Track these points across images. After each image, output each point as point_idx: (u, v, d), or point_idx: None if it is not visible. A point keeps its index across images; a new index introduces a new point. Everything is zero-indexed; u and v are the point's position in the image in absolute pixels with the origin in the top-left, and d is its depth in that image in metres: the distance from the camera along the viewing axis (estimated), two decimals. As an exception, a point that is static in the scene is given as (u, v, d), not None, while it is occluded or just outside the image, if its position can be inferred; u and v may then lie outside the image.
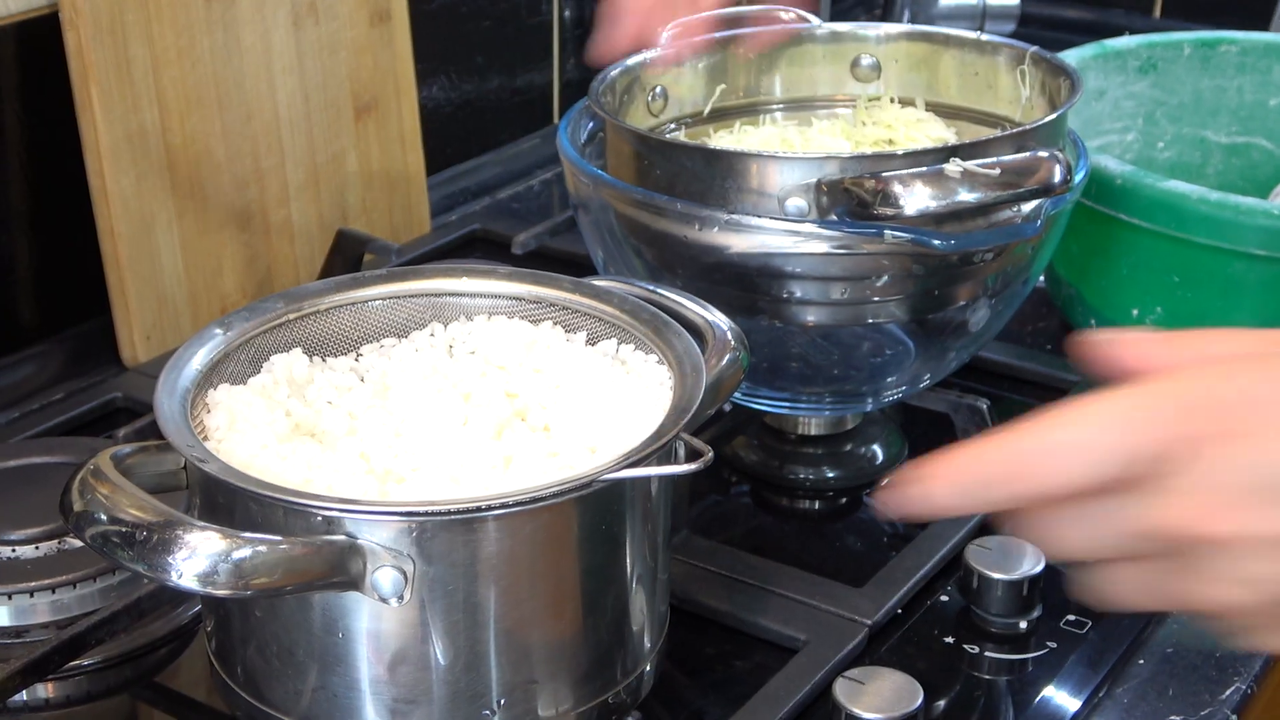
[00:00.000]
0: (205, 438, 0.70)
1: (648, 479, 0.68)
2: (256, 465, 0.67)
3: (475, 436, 0.70)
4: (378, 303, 0.80)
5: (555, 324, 0.79)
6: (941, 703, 0.77)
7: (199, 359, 0.73)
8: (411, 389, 0.73)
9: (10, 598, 0.81)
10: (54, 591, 0.81)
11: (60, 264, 1.07)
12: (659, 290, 0.80)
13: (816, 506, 0.98)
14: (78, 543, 0.84)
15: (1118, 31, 1.26)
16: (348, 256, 1.16)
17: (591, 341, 0.78)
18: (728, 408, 0.98)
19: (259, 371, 0.76)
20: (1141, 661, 0.80)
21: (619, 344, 0.77)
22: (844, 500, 0.97)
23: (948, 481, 0.53)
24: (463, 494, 0.66)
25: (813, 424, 1.00)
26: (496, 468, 0.68)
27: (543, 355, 0.76)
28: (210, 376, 0.73)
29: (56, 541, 0.84)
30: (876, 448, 1.01)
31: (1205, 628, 0.54)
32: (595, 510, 0.66)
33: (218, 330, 0.75)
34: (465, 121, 1.40)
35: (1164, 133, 1.22)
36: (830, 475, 0.99)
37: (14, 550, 0.83)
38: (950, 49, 1.05)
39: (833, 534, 0.94)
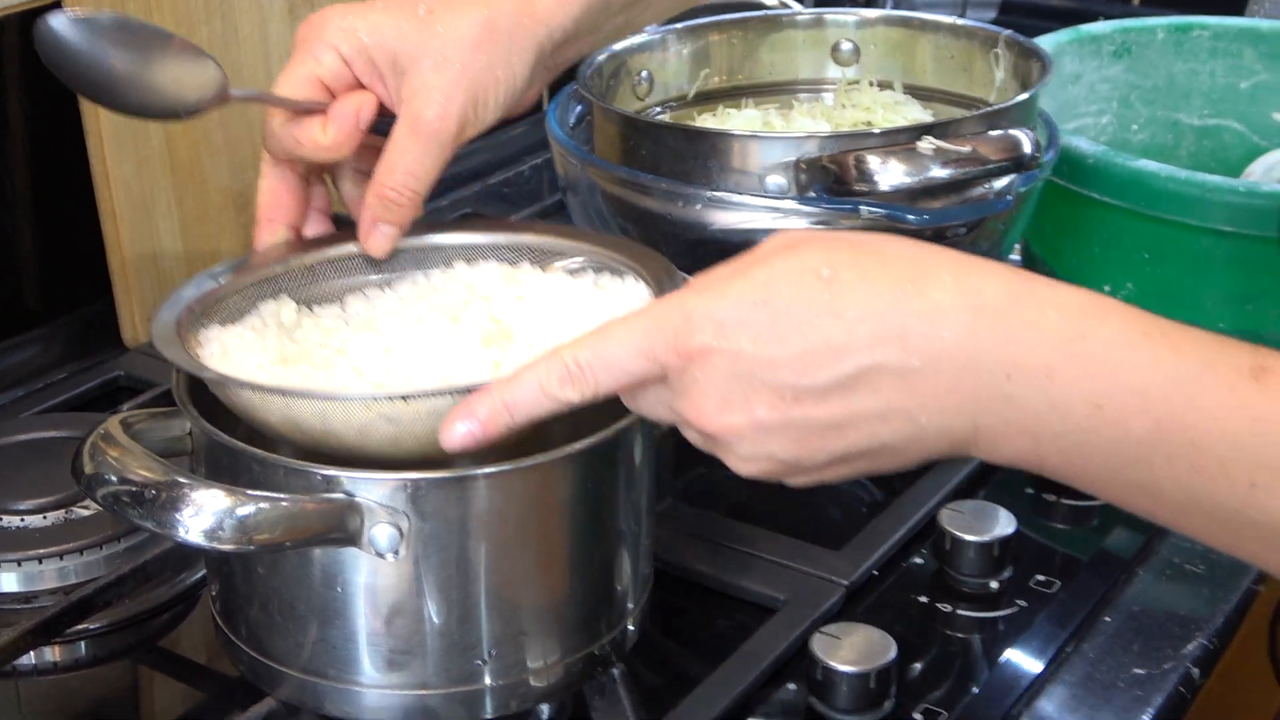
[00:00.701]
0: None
1: (631, 441, 0.71)
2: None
3: (463, 346, 0.73)
4: (360, 258, 0.81)
5: (533, 264, 0.81)
6: (918, 663, 0.80)
7: (191, 296, 0.75)
8: (399, 314, 0.76)
9: (19, 564, 0.84)
10: (61, 558, 0.84)
11: (63, 247, 1.10)
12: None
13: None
14: (84, 512, 0.87)
15: (1096, 19, 1.28)
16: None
17: (570, 273, 0.80)
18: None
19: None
20: (1108, 619, 0.83)
21: (595, 274, 0.79)
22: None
23: (525, 391, 0.63)
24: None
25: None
26: (485, 371, 0.71)
27: (525, 285, 0.79)
28: (200, 318, 0.75)
29: (63, 511, 0.87)
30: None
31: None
32: (582, 471, 0.69)
33: (209, 280, 0.77)
34: (457, 109, 1.42)
35: (1138, 115, 1.25)
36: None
37: (23, 520, 0.86)
38: (927, 33, 1.08)
39: (813, 502, 0.96)
